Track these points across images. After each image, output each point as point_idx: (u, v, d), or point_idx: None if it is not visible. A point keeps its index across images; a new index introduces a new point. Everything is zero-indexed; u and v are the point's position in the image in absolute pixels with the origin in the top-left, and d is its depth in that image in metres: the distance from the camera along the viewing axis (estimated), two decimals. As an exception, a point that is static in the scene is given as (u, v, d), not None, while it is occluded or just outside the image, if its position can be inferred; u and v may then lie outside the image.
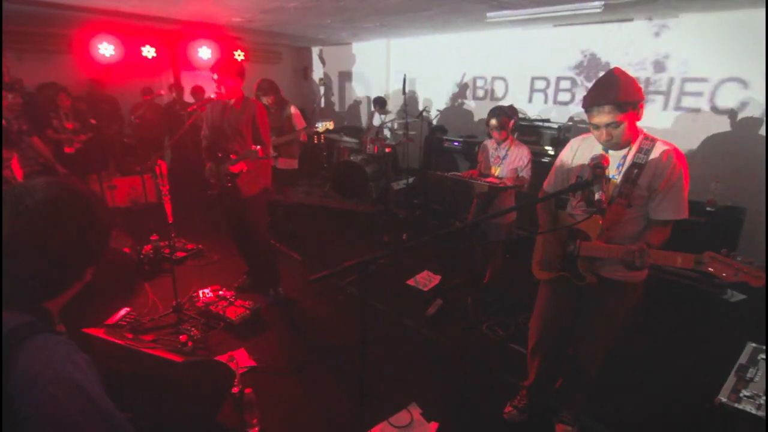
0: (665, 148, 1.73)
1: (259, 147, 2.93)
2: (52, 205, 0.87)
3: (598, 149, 1.86)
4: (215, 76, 2.98)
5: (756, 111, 3.99)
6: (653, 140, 1.76)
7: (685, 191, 1.74)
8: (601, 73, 1.97)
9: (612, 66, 1.81)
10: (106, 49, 5.17)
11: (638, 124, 1.76)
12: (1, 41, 4.85)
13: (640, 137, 1.78)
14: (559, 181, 2.07)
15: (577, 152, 1.97)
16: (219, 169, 3.17)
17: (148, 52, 5.90)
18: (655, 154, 1.73)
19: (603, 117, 1.69)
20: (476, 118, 6.25)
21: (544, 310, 2.20)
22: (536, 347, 2.29)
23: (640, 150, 1.76)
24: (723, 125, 4.18)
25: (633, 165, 1.76)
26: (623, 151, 1.80)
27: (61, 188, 0.90)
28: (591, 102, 1.71)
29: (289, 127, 4.49)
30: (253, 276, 3.72)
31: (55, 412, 0.78)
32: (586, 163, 1.86)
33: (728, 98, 4.14)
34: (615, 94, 1.64)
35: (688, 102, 4.38)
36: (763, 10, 3.69)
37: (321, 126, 4.81)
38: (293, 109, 4.53)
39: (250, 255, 3.62)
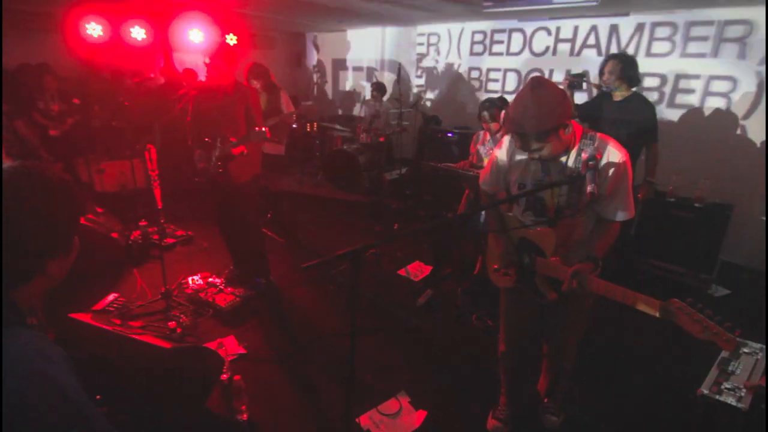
0: (607, 146, 1.61)
1: (266, 127, 2.91)
2: (5, 191, 0.83)
3: None
4: (207, 61, 2.93)
5: (743, 108, 4.03)
6: (593, 137, 1.63)
7: (630, 189, 1.65)
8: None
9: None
10: (93, 30, 5.03)
11: None
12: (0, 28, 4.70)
13: (579, 138, 1.64)
14: (495, 179, 1.93)
15: (515, 150, 1.78)
16: (209, 155, 3.11)
17: (138, 33, 5.77)
18: (598, 154, 1.60)
19: (525, 143, 1.57)
20: (470, 110, 6.23)
21: (508, 318, 2.11)
22: (506, 354, 2.19)
23: (580, 153, 1.63)
24: (711, 123, 4.22)
25: (575, 171, 1.63)
26: (563, 157, 1.66)
27: (19, 174, 0.86)
28: (509, 128, 1.59)
29: (276, 111, 4.45)
30: (240, 266, 3.63)
31: (28, 409, 0.76)
32: (524, 162, 1.74)
33: (718, 96, 4.17)
34: (532, 124, 1.50)
35: (679, 99, 4.41)
36: (756, 9, 3.71)
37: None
38: (283, 94, 4.57)
39: (239, 244, 3.53)
